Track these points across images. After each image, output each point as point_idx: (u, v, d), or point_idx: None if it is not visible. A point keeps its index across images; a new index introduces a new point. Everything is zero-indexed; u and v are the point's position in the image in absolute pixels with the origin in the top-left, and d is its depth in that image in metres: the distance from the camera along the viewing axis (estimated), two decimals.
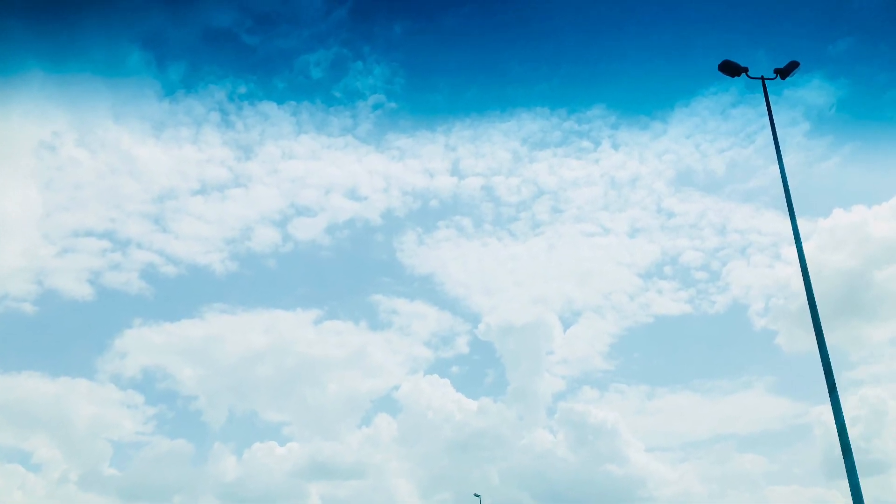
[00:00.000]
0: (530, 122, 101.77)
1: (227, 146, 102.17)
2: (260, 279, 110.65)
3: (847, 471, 16.61)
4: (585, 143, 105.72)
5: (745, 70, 21.66)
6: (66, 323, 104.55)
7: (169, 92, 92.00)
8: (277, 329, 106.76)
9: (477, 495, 51.93)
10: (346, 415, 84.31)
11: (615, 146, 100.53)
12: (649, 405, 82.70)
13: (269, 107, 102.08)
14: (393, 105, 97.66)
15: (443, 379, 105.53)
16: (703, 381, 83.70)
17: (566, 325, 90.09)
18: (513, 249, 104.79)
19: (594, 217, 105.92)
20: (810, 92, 76.68)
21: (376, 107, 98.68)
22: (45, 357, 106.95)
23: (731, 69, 21.57)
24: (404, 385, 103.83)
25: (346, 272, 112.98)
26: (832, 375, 17.82)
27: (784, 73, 21.64)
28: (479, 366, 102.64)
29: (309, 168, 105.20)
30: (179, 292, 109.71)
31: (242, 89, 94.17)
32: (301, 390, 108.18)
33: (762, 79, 21.75)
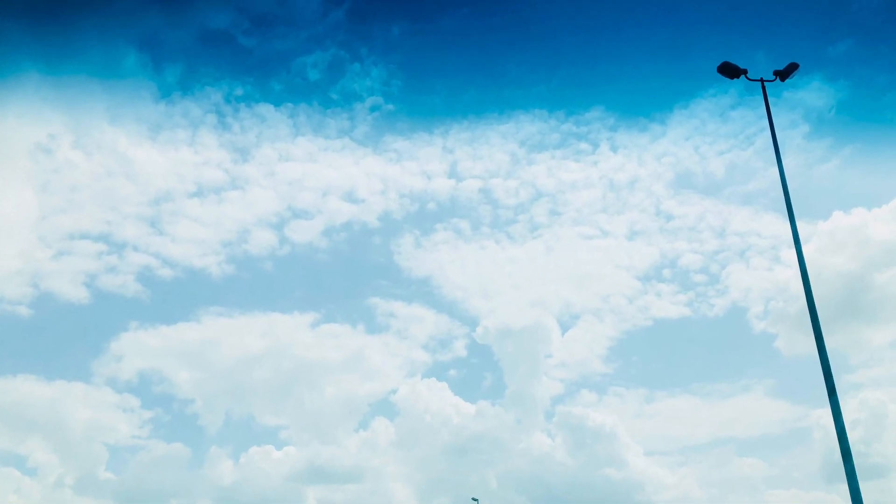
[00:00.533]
0: (528, 125, 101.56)
1: (224, 148, 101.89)
2: (257, 282, 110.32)
3: (847, 475, 16.51)
4: (584, 146, 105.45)
5: (745, 72, 21.58)
6: (61, 326, 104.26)
7: (165, 94, 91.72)
8: (274, 332, 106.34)
9: (475, 500, 51.73)
10: (343, 418, 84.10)
11: (614, 148, 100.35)
12: (648, 409, 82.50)
13: (265, 109, 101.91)
14: (390, 107, 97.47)
15: (440, 382, 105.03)
16: (702, 385, 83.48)
17: (564, 328, 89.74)
18: (511, 252, 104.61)
19: (592, 220, 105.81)
20: (810, 94, 76.65)
21: (374, 109, 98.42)
22: (40, 360, 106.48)
23: (730, 71, 21.48)
24: (402, 388, 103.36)
25: (343, 275, 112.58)
26: (832, 379, 17.71)
27: (783, 74, 21.56)
28: (477, 369, 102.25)
29: (306, 170, 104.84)
30: (176, 295, 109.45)
31: (239, 91, 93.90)
32: (298, 394, 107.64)
33: (761, 81, 21.68)
